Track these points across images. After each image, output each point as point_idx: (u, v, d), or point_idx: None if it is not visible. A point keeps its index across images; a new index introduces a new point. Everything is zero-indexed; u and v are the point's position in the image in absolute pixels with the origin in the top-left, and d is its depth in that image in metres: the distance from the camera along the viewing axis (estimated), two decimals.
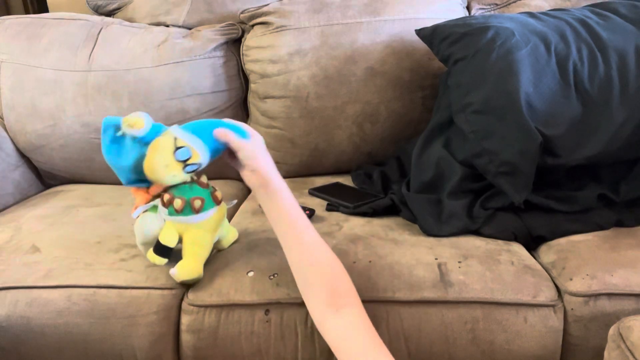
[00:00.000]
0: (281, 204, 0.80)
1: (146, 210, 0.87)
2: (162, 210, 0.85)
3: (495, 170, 1.01)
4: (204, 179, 0.89)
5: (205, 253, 0.88)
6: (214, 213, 0.87)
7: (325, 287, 0.74)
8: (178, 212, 0.84)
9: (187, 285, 0.89)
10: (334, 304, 0.73)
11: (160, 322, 0.87)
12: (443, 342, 0.84)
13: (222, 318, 0.85)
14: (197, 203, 0.84)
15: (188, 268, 0.85)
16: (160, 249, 0.85)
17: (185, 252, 0.86)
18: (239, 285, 0.86)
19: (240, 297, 0.85)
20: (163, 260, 0.85)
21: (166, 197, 0.84)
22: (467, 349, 0.84)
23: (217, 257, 0.94)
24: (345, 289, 0.75)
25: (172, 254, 0.86)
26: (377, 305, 0.84)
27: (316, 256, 0.77)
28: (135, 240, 0.89)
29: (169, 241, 0.84)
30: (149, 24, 1.48)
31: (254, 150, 0.83)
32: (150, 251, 0.86)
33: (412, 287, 0.85)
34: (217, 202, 0.88)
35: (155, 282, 0.88)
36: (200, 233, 0.87)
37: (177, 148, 0.81)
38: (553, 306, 0.84)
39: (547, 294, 0.85)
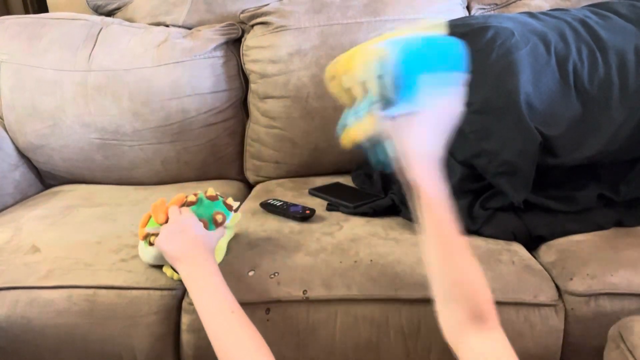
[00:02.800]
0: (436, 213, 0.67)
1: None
2: None
3: (494, 171, 1.01)
4: (211, 191, 0.91)
5: (220, 256, 0.90)
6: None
7: (472, 303, 0.66)
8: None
9: None
10: (479, 321, 0.65)
11: (161, 323, 0.87)
12: (443, 341, 0.84)
13: None
14: (219, 217, 0.86)
15: None
16: None
17: None
18: (240, 284, 0.86)
19: (240, 296, 0.84)
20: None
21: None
22: None
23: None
24: (490, 310, 0.66)
25: None
26: (379, 303, 0.85)
27: (471, 269, 0.67)
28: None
29: None
30: (149, 24, 1.48)
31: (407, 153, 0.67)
32: (166, 267, 0.87)
33: (414, 286, 0.85)
34: (230, 209, 0.90)
35: (155, 282, 0.88)
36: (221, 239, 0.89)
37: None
38: (554, 306, 0.84)
39: (547, 294, 0.85)
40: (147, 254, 0.89)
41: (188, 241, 0.80)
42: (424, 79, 0.62)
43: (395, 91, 0.61)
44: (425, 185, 0.66)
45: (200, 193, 0.89)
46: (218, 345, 0.69)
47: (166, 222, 0.84)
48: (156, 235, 0.84)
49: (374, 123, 0.65)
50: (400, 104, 0.62)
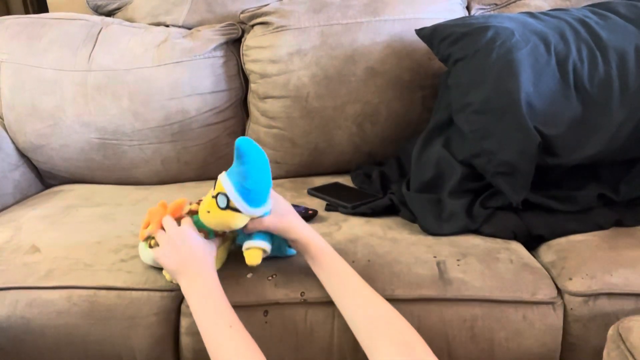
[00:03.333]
0: (326, 265, 0.81)
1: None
2: None
3: (493, 171, 1.01)
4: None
5: (218, 264, 0.88)
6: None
7: (395, 340, 0.69)
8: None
9: None
10: (407, 348, 0.68)
11: (160, 324, 0.87)
12: (442, 339, 0.84)
13: None
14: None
15: None
16: None
17: None
18: (238, 286, 0.86)
19: (239, 298, 0.85)
20: None
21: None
22: (466, 346, 0.84)
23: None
24: (415, 340, 0.70)
25: None
26: None
27: (378, 309, 0.74)
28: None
29: None
30: (149, 24, 1.48)
31: (277, 222, 0.83)
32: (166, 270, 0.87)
33: (411, 285, 0.85)
34: None
35: (154, 283, 0.88)
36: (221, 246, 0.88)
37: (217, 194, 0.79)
38: (552, 304, 0.84)
39: (546, 292, 0.85)
40: (146, 256, 0.88)
41: (186, 254, 0.79)
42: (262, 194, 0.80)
43: (254, 205, 0.78)
44: (314, 239, 0.82)
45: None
46: (216, 358, 0.69)
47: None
48: (156, 242, 0.84)
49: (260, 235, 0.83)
50: (261, 209, 0.80)
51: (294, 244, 0.84)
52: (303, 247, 0.82)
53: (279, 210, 0.84)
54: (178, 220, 0.84)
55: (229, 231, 0.84)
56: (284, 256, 0.90)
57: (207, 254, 0.81)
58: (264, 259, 0.84)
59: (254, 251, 0.82)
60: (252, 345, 0.70)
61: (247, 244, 0.83)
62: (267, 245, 0.83)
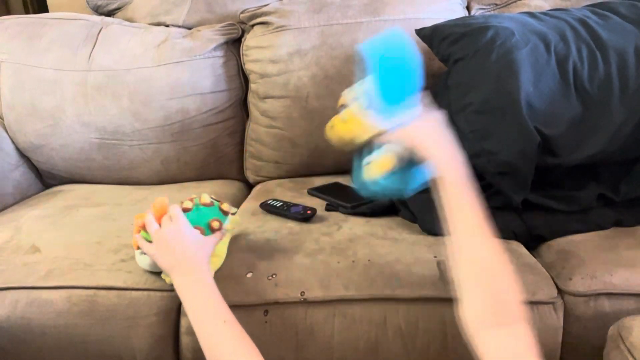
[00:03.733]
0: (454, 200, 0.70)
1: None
2: None
3: (493, 171, 1.01)
4: (205, 198, 0.87)
5: (219, 262, 0.88)
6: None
7: (494, 294, 0.64)
8: None
9: None
10: (500, 315, 0.63)
11: (160, 324, 0.87)
12: (442, 339, 0.85)
13: None
14: (216, 224, 0.83)
15: None
16: None
17: None
18: (238, 286, 0.86)
19: (239, 298, 0.85)
20: None
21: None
22: (466, 346, 0.84)
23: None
24: (513, 305, 0.64)
25: None
26: (376, 302, 0.85)
27: (495, 259, 0.66)
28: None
29: None
30: (149, 24, 1.48)
31: (406, 139, 0.72)
32: (165, 274, 0.86)
33: (411, 285, 0.85)
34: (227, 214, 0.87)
35: (154, 283, 0.88)
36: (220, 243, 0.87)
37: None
38: (552, 304, 0.85)
39: (546, 292, 0.85)
40: (142, 261, 0.88)
41: (180, 250, 0.78)
42: (402, 93, 0.71)
43: (388, 108, 0.70)
44: (450, 167, 0.70)
45: (196, 199, 0.86)
46: (211, 355, 0.69)
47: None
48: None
49: (391, 150, 0.72)
50: (397, 115, 0.71)
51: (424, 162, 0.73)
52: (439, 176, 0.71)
53: (421, 125, 0.73)
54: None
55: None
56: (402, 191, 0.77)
57: (202, 251, 0.79)
58: (265, 258, 0.84)
59: (385, 159, 0.72)
60: (247, 341, 0.69)
61: (375, 154, 0.73)
62: (399, 150, 0.71)
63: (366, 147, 0.74)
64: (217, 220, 0.84)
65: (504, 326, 0.62)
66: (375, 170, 0.72)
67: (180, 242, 0.78)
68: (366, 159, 0.74)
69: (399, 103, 0.71)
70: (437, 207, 0.71)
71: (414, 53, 0.70)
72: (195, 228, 0.81)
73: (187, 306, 0.74)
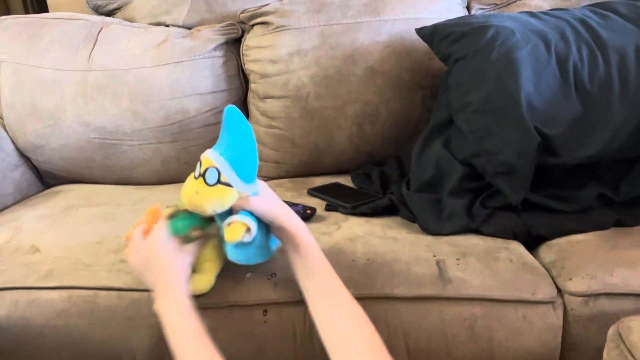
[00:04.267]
0: (310, 259, 0.76)
1: None
2: None
3: (493, 171, 1.01)
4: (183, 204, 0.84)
5: (215, 266, 0.85)
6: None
7: (363, 341, 0.68)
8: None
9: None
10: (376, 357, 0.66)
11: (160, 325, 0.87)
12: (442, 338, 0.84)
13: (221, 319, 0.85)
14: (195, 234, 0.79)
15: (200, 283, 0.83)
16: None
17: (198, 268, 0.83)
18: (238, 286, 0.86)
19: (238, 298, 0.85)
20: None
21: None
22: (465, 345, 0.84)
23: None
24: (381, 343, 0.68)
25: None
26: (375, 302, 0.84)
27: (351, 314, 0.71)
28: None
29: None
30: (149, 24, 1.49)
31: (265, 205, 0.77)
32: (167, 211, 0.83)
33: (410, 284, 0.85)
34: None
35: None
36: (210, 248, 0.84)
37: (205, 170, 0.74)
38: (552, 303, 0.84)
39: (545, 291, 0.85)
40: None
41: (155, 268, 0.75)
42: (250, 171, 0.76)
43: (246, 179, 0.75)
44: (303, 230, 0.77)
45: (180, 203, 0.80)
46: None
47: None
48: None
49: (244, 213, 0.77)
50: (251, 186, 0.76)
51: (279, 232, 0.78)
52: (288, 237, 0.77)
53: (267, 195, 0.79)
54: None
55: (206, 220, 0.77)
56: (266, 255, 0.82)
57: (178, 267, 0.75)
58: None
59: (236, 225, 0.75)
60: None
61: (229, 219, 0.75)
62: (251, 222, 0.75)
63: (226, 212, 0.76)
64: (197, 228, 0.79)
65: None
66: (231, 235, 0.75)
67: (155, 257, 0.75)
68: (225, 222, 0.76)
69: (252, 173, 0.76)
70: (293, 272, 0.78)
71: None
72: (176, 237, 0.77)
73: (165, 325, 0.71)
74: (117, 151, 1.38)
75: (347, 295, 0.73)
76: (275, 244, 0.83)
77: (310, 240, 0.77)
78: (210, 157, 0.73)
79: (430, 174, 1.09)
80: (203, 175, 0.73)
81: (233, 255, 0.80)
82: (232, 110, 0.72)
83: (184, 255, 0.77)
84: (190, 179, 0.75)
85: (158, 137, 1.37)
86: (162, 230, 0.77)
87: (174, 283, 0.73)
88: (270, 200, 0.79)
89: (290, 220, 0.77)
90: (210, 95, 1.38)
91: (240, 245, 0.78)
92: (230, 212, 0.76)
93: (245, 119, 0.74)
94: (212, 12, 1.48)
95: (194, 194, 0.74)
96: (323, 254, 0.77)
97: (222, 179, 0.72)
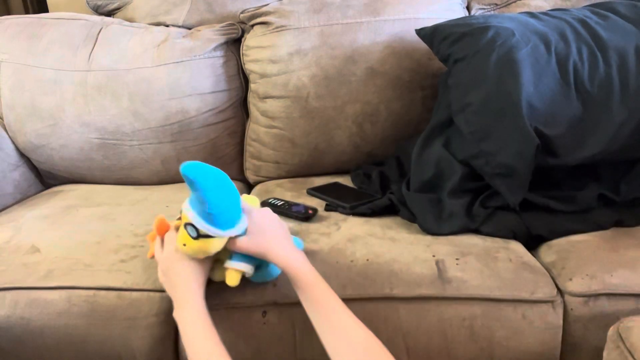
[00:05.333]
0: (309, 293, 0.75)
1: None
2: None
3: (491, 172, 1.01)
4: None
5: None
6: None
7: None
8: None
9: None
10: None
11: (160, 325, 0.87)
12: (441, 338, 0.84)
13: (220, 320, 0.84)
14: None
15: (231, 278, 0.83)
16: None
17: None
18: (237, 287, 0.86)
19: (237, 299, 0.85)
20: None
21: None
22: (465, 345, 0.84)
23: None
24: None
25: None
26: (375, 302, 0.84)
27: (357, 340, 0.70)
28: None
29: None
30: (149, 24, 1.48)
31: (251, 245, 0.78)
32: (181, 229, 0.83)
33: (410, 284, 0.85)
34: None
35: (154, 284, 0.88)
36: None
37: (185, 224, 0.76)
38: (551, 302, 0.84)
39: (545, 291, 0.85)
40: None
41: (173, 280, 0.77)
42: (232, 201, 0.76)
43: (225, 227, 0.75)
44: (303, 268, 0.76)
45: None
46: None
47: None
48: None
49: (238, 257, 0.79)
50: (235, 229, 0.76)
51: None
52: (283, 271, 0.77)
53: (256, 229, 0.79)
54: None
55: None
56: (273, 279, 0.85)
57: (193, 278, 0.77)
58: None
59: (231, 273, 0.79)
60: None
61: (226, 264, 0.79)
62: (246, 267, 0.79)
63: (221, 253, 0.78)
64: None
65: None
66: (228, 281, 0.78)
67: (172, 270, 0.78)
68: (225, 264, 0.79)
69: (229, 215, 0.75)
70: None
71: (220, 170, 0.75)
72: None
73: (182, 334, 0.73)
74: (117, 151, 1.38)
75: (353, 323, 0.71)
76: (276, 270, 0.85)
77: (306, 270, 0.76)
78: (186, 213, 0.75)
79: (430, 174, 1.09)
80: (186, 229, 0.75)
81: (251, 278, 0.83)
82: (190, 168, 0.70)
83: (200, 264, 0.78)
84: (181, 226, 0.77)
85: (158, 137, 1.37)
86: (174, 242, 0.78)
87: (191, 292, 0.75)
88: (258, 238, 0.78)
89: (281, 255, 0.77)
90: (210, 95, 1.38)
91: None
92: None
93: (210, 169, 0.72)
94: (212, 12, 1.48)
95: (183, 247, 0.76)
96: (323, 282, 0.76)
97: (201, 233, 0.74)
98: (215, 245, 0.76)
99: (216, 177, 0.72)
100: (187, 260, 0.77)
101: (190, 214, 0.74)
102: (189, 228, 0.74)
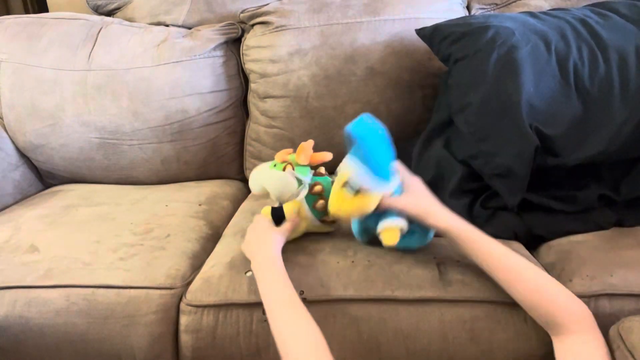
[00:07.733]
0: (480, 249, 0.81)
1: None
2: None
3: (490, 172, 1.00)
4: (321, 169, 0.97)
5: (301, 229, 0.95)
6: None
7: (542, 311, 0.75)
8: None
9: (186, 285, 0.89)
10: (554, 328, 0.74)
11: (159, 322, 0.87)
12: (442, 341, 0.84)
13: (221, 318, 0.85)
14: (318, 188, 0.91)
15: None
16: (277, 213, 0.91)
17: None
18: (237, 285, 0.86)
19: (238, 296, 0.85)
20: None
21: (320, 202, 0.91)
22: (466, 348, 0.84)
23: (214, 257, 0.93)
24: (565, 316, 0.74)
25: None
26: (376, 304, 0.84)
27: (522, 276, 0.77)
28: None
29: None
30: (149, 24, 1.49)
31: (413, 205, 0.83)
32: (267, 208, 0.92)
33: (411, 286, 0.85)
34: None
35: (153, 281, 0.88)
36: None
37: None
38: None
39: None
40: (269, 177, 0.93)
41: (255, 244, 0.88)
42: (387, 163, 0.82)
43: (384, 179, 0.81)
44: (466, 227, 0.81)
45: (291, 156, 0.93)
46: (278, 337, 0.72)
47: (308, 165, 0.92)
48: (291, 165, 0.91)
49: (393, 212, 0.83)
50: (391, 184, 0.82)
51: (433, 229, 0.85)
52: (444, 234, 0.82)
53: (414, 191, 0.85)
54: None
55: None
56: (424, 241, 0.89)
57: (272, 244, 0.86)
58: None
59: (391, 231, 0.82)
60: (312, 327, 0.72)
61: (381, 225, 0.83)
62: (403, 223, 0.83)
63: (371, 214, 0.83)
64: (319, 184, 0.90)
65: (560, 337, 0.73)
66: (388, 240, 0.83)
67: (256, 236, 0.89)
68: (378, 228, 0.84)
69: (387, 172, 0.82)
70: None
71: (383, 127, 0.81)
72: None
73: (260, 289, 0.80)
74: (117, 151, 1.38)
75: (524, 262, 0.78)
76: (430, 235, 0.89)
77: (469, 229, 0.81)
78: (346, 169, 0.80)
79: (430, 174, 1.09)
80: (344, 186, 0.81)
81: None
82: (356, 127, 0.77)
83: (280, 233, 0.89)
84: (336, 185, 0.83)
85: (158, 137, 1.37)
86: (264, 222, 0.90)
87: (271, 251, 0.84)
88: (417, 197, 0.84)
89: (442, 218, 0.82)
90: (210, 95, 1.38)
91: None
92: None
93: (371, 128, 0.79)
94: (212, 12, 1.49)
95: (339, 208, 0.83)
96: (486, 236, 0.80)
97: (360, 187, 0.78)
98: (372, 202, 0.80)
99: (377, 137, 0.79)
100: (269, 237, 0.87)
101: (351, 170, 0.79)
102: (348, 184, 0.79)
